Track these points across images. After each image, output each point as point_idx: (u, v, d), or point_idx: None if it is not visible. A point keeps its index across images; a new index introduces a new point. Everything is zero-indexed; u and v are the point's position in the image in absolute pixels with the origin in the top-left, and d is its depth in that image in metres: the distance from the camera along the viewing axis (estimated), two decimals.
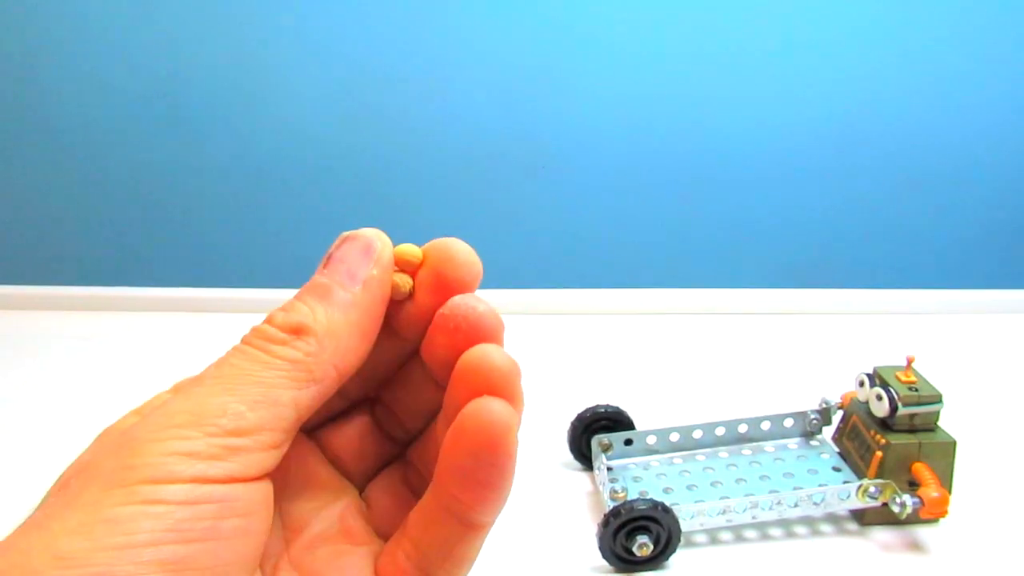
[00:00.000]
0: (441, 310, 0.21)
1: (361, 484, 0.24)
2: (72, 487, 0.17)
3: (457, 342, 0.21)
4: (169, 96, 0.92)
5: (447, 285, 0.22)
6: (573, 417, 0.49)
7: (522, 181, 0.97)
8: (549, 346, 0.66)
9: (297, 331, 0.20)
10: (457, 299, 0.21)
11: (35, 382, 0.60)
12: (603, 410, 0.48)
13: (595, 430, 0.48)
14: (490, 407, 0.19)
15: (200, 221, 0.98)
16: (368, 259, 0.21)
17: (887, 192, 0.99)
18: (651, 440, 0.48)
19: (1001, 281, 0.88)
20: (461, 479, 0.20)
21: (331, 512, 0.23)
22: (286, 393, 0.19)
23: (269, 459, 0.19)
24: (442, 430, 0.22)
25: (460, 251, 0.22)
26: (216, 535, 0.17)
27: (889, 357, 0.47)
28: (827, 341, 0.67)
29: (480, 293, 0.22)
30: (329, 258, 0.21)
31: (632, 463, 0.47)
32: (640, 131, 0.95)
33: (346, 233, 0.22)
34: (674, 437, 0.48)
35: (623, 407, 0.49)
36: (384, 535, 0.23)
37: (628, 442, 0.47)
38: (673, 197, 0.98)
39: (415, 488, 0.24)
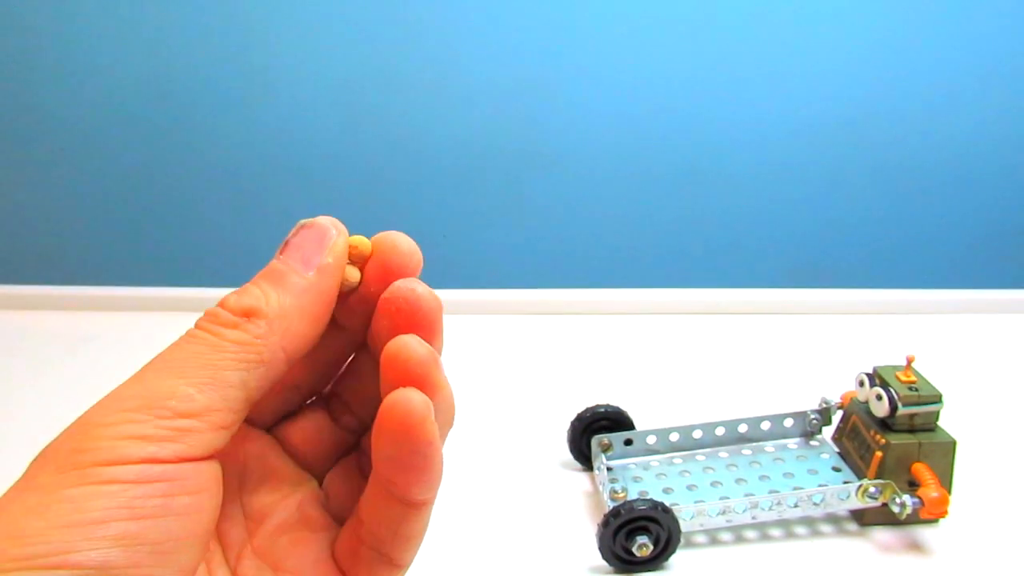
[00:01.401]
0: (383, 295, 0.22)
1: (320, 474, 0.25)
2: (31, 471, 0.18)
3: (398, 324, 0.22)
4: (169, 96, 0.92)
5: (391, 274, 0.23)
6: (573, 417, 0.49)
7: (522, 181, 0.97)
8: (549, 346, 0.66)
9: (248, 314, 0.20)
10: (399, 283, 0.22)
11: (35, 382, 0.60)
12: (603, 410, 0.48)
13: (595, 430, 0.48)
14: (407, 397, 0.20)
15: (200, 221, 0.98)
16: (323, 247, 0.22)
17: (887, 192, 0.99)
18: (651, 440, 0.48)
19: (1001, 281, 0.88)
20: (389, 464, 0.21)
21: (291, 502, 0.24)
22: (235, 375, 0.20)
23: (218, 439, 0.19)
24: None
25: (403, 242, 0.23)
26: (167, 512, 0.18)
27: (889, 357, 0.47)
28: (827, 341, 0.67)
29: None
30: (286, 244, 0.22)
31: (632, 463, 0.47)
32: (640, 131, 0.95)
33: (303, 221, 0.23)
34: (674, 437, 0.48)
35: (623, 407, 0.49)
36: (342, 521, 0.24)
37: (628, 442, 0.47)
38: (673, 197, 0.98)
39: (368, 475, 0.24)
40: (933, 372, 0.45)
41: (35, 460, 0.18)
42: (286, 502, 0.24)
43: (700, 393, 0.58)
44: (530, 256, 0.99)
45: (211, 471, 0.19)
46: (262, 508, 0.23)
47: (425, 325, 0.22)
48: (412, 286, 0.22)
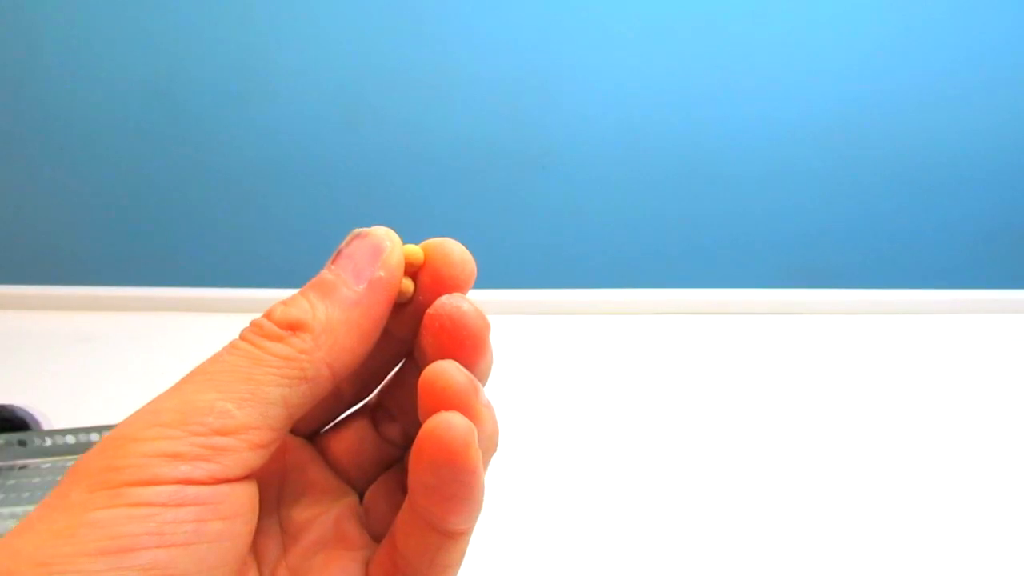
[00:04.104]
0: (428, 310, 0.21)
1: (361, 488, 0.24)
2: (63, 486, 0.17)
3: (441, 343, 0.21)
4: (169, 96, 0.92)
5: (442, 286, 0.22)
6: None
7: (521, 182, 0.97)
8: (549, 346, 0.66)
9: (294, 327, 0.19)
10: (444, 299, 0.21)
11: (36, 382, 0.60)
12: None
13: None
14: (448, 422, 0.19)
15: (200, 221, 0.98)
16: (376, 259, 0.21)
17: (888, 192, 0.99)
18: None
19: (1001, 281, 0.88)
20: (427, 493, 0.20)
21: (329, 517, 0.23)
22: (276, 391, 0.19)
23: (255, 458, 0.18)
24: None
25: (455, 251, 0.22)
26: (199, 538, 0.17)
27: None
28: (827, 341, 0.67)
29: (480, 293, 0.22)
30: (338, 254, 0.21)
31: None
32: (640, 132, 0.95)
33: (357, 230, 0.21)
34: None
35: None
36: (380, 539, 0.23)
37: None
38: (673, 197, 0.98)
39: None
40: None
41: (69, 473, 0.17)
42: (324, 516, 0.23)
43: (701, 393, 0.58)
44: (530, 256, 0.99)
45: (247, 493, 0.18)
46: (300, 522, 0.22)
47: (468, 346, 0.21)
48: (458, 303, 0.21)
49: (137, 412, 0.18)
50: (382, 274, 0.21)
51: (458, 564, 0.22)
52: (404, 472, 0.24)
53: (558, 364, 0.63)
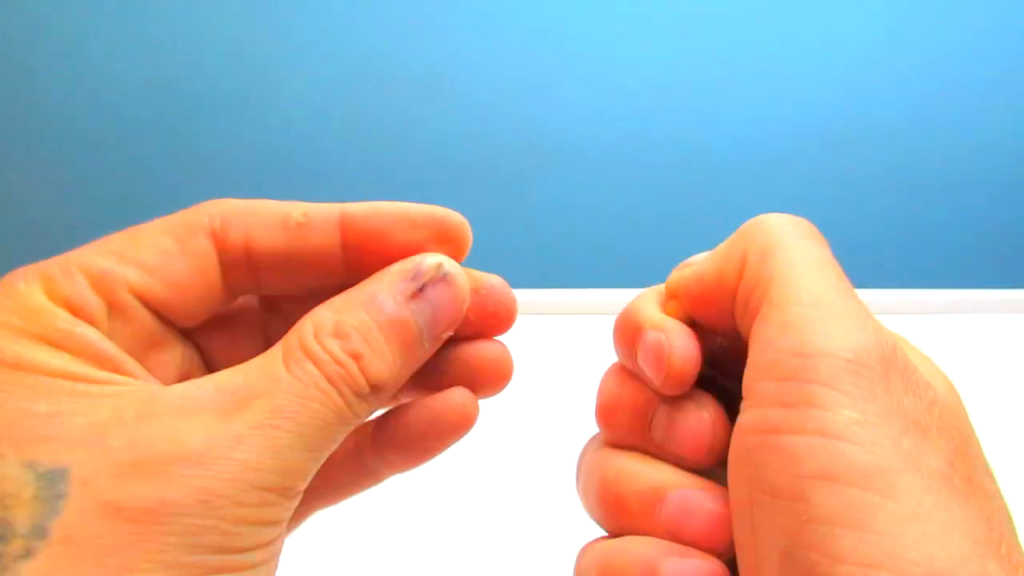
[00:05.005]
0: (476, 287, 0.21)
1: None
2: (151, 534, 0.15)
3: (484, 323, 0.21)
4: (170, 96, 0.92)
5: (486, 328, 0.22)
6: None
7: (521, 182, 0.97)
8: (549, 347, 0.66)
9: (377, 388, 0.18)
10: (492, 281, 0.21)
11: None
12: None
13: None
14: (473, 402, 0.20)
15: None
16: (456, 319, 0.20)
17: (887, 192, 0.99)
18: None
19: (1001, 281, 0.88)
20: (411, 449, 0.20)
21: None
22: (336, 446, 0.18)
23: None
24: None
25: (504, 297, 0.22)
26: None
27: None
28: None
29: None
30: (423, 291, 0.19)
31: None
32: (640, 132, 0.95)
33: (447, 269, 0.20)
34: None
35: None
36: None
37: None
38: (674, 197, 0.98)
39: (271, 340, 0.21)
40: None
41: (148, 518, 0.15)
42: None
43: None
44: (530, 256, 0.99)
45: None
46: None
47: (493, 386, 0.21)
48: (512, 297, 0.21)
49: (231, 459, 0.16)
50: (450, 334, 0.20)
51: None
52: (267, 318, 0.22)
53: (558, 364, 0.63)
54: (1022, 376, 0.61)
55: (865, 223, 1.00)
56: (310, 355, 0.17)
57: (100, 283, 0.19)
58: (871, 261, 1.02)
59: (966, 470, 0.17)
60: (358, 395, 0.18)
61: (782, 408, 0.16)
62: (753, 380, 0.18)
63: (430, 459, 0.21)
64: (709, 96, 0.93)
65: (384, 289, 0.19)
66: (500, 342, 0.21)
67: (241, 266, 0.20)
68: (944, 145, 0.96)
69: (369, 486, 0.22)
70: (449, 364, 0.21)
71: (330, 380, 0.17)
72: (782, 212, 0.21)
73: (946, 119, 0.95)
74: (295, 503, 0.17)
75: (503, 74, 0.92)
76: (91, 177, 0.95)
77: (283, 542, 0.18)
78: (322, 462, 0.18)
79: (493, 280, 0.21)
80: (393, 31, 0.90)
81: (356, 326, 0.18)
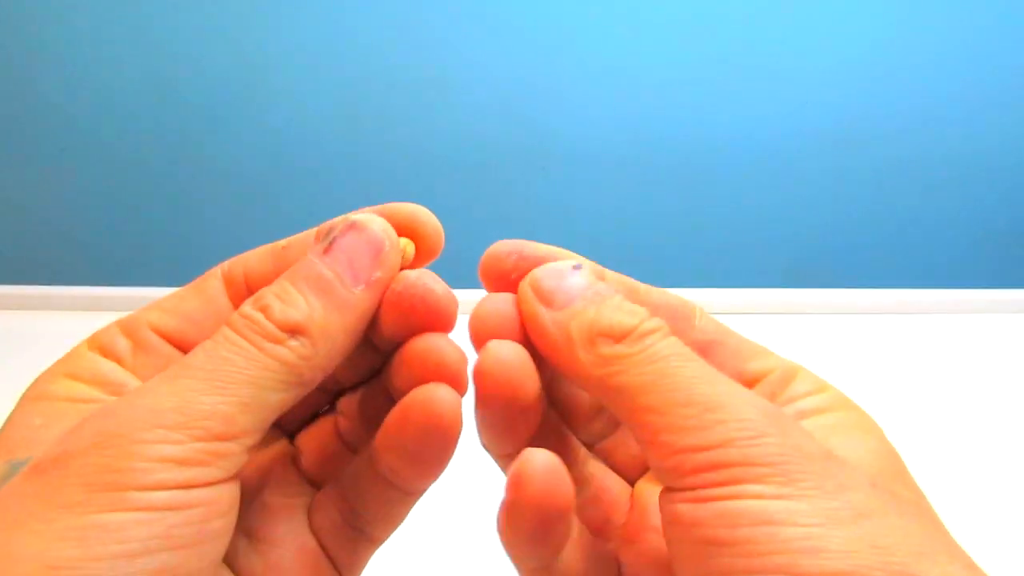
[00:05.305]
0: (394, 286, 0.21)
1: (291, 432, 0.24)
2: (51, 480, 0.16)
3: (412, 322, 0.21)
4: (170, 96, 0.92)
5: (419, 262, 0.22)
6: None
7: (521, 182, 0.97)
8: None
9: (294, 331, 0.19)
10: (412, 276, 0.21)
11: None
12: None
13: None
14: (442, 395, 0.19)
15: (200, 221, 0.98)
16: (375, 259, 0.20)
17: (887, 192, 0.99)
18: None
19: (1001, 281, 0.88)
20: (404, 456, 0.20)
21: (261, 463, 0.22)
22: (275, 396, 0.18)
23: (246, 458, 0.18)
24: (381, 395, 0.22)
25: (433, 228, 0.22)
26: (203, 537, 0.17)
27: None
28: (826, 341, 0.67)
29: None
30: (332, 244, 0.20)
31: None
32: (641, 132, 0.95)
33: (354, 218, 0.21)
34: None
35: None
36: (315, 483, 0.23)
37: None
38: (673, 197, 0.98)
39: (347, 438, 0.24)
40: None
41: (52, 466, 0.17)
42: (259, 460, 0.22)
43: None
44: None
45: (237, 488, 0.19)
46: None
47: (441, 325, 0.21)
48: (431, 286, 0.21)
49: (131, 406, 0.18)
50: (379, 275, 0.20)
51: (405, 517, 0.22)
52: (336, 418, 0.24)
53: None
54: (1022, 376, 0.61)
55: (865, 223, 1.00)
56: (227, 323, 0.19)
57: (126, 328, 0.22)
58: (871, 261, 1.02)
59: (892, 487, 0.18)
60: (270, 339, 0.19)
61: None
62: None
63: (433, 465, 0.20)
64: (709, 96, 0.93)
65: (305, 256, 0.20)
66: (430, 334, 0.21)
67: (245, 294, 0.22)
68: (944, 145, 0.96)
69: (403, 503, 0.22)
70: (405, 367, 0.21)
71: (239, 333, 0.19)
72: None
73: (946, 119, 0.95)
74: (222, 446, 0.17)
75: (503, 74, 0.92)
76: (91, 177, 0.95)
77: (228, 500, 0.18)
78: (257, 411, 0.18)
79: (415, 274, 0.21)
80: (393, 32, 0.90)
81: (271, 289, 0.20)
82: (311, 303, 0.19)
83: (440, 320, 0.21)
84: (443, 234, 0.22)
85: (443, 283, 0.21)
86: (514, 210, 0.98)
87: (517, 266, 0.22)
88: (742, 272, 1.01)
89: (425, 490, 0.22)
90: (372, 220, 0.21)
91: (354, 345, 0.20)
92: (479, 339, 0.21)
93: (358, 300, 0.20)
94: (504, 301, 0.21)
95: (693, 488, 0.17)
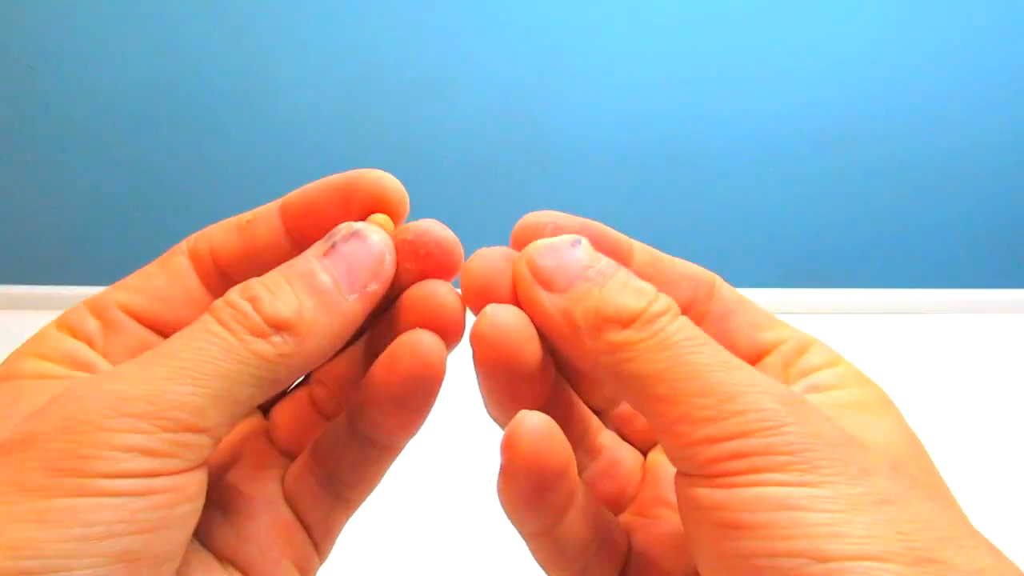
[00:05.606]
0: (403, 235, 0.21)
1: (265, 408, 0.24)
2: (13, 462, 0.16)
3: (422, 267, 0.21)
4: (169, 96, 0.92)
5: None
6: None
7: (521, 181, 0.97)
8: None
9: (280, 327, 0.18)
10: (423, 224, 0.21)
11: None
12: None
13: None
14: (428, 338, 0.20)
15: (201, 221, 0.98)
16: (373, 271, 0.20)
17: (887, 192, 0.99)
18: None
19: (1001, 281, 0.88)
20: (387, 403, 0.20)
21: (235, 435, 0.23)
22: (247, 391, 0.18)
23: (214, 448, 0.18)
24: (364, 353, 0.22)
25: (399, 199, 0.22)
26: (169, 522, 0.17)
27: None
28: (827, 341, 0.67)
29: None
30: (333, 248, 0.20)
31: None
32: (641, 132, 0.95)
33: (357, 227, 0.21)
34: None
35: None
36: (290, 455, 0.23)
37: None
38: (673, 198, 0.98)
39: (322, 407, 0.24)
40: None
41: (16, 448, 0.16)
42: (232, 434, 0.22)
43: None
44: None
45: (204, 473, 0.18)
46: None
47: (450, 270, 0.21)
48: (442, 233, 0.22)
49: (99, 391, 0.17)
50: (375, 287, 0.20)
51: (382, 477, 0.22)
52: (310, 387, 0.24)
53: None
54: (1021, 376, 0.61)
55: (864, 223, 1.00)
56: (210, 310, 0.19)
57: (95, 308, 0.21)
58: (871, 261, 1.02)
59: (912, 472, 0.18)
60: (254, 332, 0.18)
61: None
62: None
63: (415, 413, 0.20)
64: (709, 96, 0.93)
65: (301, 255, 0.20)
66: (435, 280, 0.21)
67: (212, 271, 0.22)
68: (944, 145, 0.96)
69: (381, 462, 0.22)
70: (400, 314, 0.21)
71: (221, 322, 0.18)
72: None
73: (946, 119, 0.95)
74: (190, 438, 0.17)
75: (503, 74, 0.92)
76: (91, 177, 0.95)
77: (195, 486, 0.18)
78: (229, 404, 0.18)
79: (425, 224, 0.21)
80: (393, 32, 0.90)
81: (262, 280, 0.19)
82: (302, 301, 0.19)
83: (444, 264, 0.21)
84: (408, 200, 0.23)
85: (450, 230, 0.22)
86: (514, 209, 0.98)
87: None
88: (742, 272, 1.01)
89: (403, 446, 0.21)
90: (375, 231, 0.21)
91: (333, 352, 0.20)
92: (474, 297, 0.21)
93: (349, 307, 0.20)
94: (500, 255, 0.21)
95: (712, 476, 0.17)
